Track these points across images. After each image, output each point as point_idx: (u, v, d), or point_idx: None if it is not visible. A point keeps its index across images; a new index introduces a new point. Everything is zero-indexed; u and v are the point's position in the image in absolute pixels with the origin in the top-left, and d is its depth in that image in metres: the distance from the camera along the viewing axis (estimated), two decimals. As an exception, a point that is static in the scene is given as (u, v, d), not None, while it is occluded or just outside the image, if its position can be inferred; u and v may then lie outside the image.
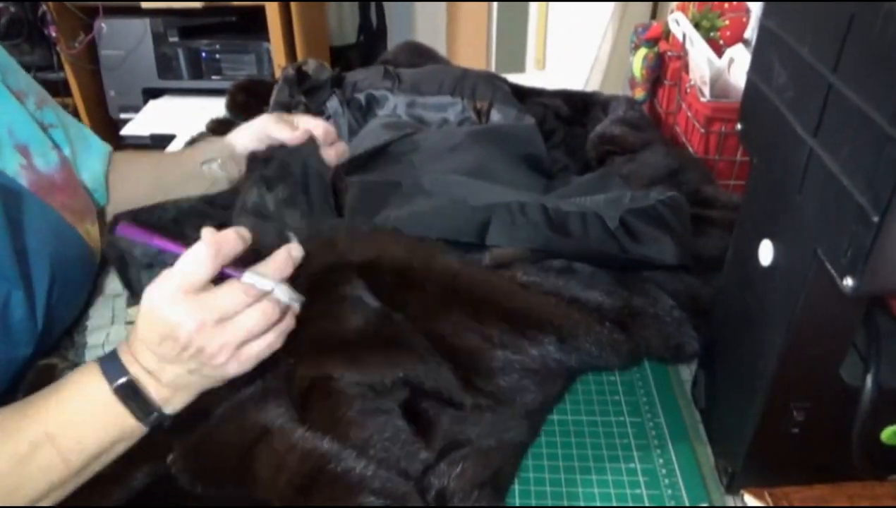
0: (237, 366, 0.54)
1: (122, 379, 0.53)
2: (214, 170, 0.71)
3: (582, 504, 0.57)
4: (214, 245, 0.52)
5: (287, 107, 0.95)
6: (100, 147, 0.77)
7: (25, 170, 0.61)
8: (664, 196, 0.74)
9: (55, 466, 0.51)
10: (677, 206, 0.74)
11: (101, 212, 0.75)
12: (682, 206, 0.75)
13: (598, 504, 0.57)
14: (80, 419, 0.52)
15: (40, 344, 0.62)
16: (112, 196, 0.76)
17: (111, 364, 0.53)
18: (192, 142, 0.97)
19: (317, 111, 0.96)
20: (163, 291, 0.52)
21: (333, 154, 0.76)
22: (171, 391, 0.54)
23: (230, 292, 0.53)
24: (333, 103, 0.95)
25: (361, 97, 0.97)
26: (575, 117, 1.05)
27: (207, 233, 0.53)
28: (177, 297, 0.51)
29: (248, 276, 0.54)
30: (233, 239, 0.53)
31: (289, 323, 0.57)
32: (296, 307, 0.57)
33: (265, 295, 0.54)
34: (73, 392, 0.53)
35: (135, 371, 0.53)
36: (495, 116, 0.93)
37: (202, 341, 0.52)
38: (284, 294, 0.55)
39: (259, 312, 0.53)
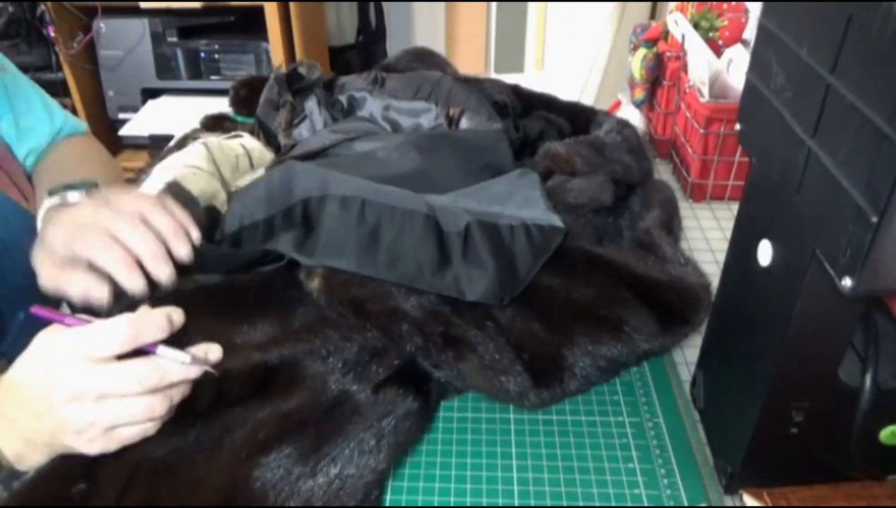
0: (101, 447, 0.50)
1: None
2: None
3: (581, 504, 0.57)
4: (136, 328, 0.48)
5: (275, 106, 0.96)
6: (62, 119, 0.74)
7: None
8: (547, 223, 0.71)
9: None
10: (546, 237, 0.70)
11: None
12: (551, 240, 0.70)
13: (597, 504, 0.57)
14: None
15: None
16: (41, 177, 0.73)
17: None
18: (183, 141, 0.96)
19: (300, 109, 0.96)
20: (58, 346, 0.47)
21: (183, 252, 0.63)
22: (24, 448, 0.50)
23: (125, 376, 0.48)
24: (311, 103, 0.96)
25: (344, 98, 0.97)
26: (576, 135, 1.04)
27: (136, 315, 0.48)
28: (68, 359, 0.47)
29: (162, 350, 0.50)
30: (160, 324, 0.49)
31: (165, 407, 0.51)
32: (197, 372, 0.52)
33: (159, 388, 0.49)
34: None
35: None
36: (465, 123, 0.93)
37: (69, 413, 0.47)
38: (193, 369, 0.51)
39: (145, 404, 0.49)
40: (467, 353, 0.62)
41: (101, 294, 0.57)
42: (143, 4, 1.59)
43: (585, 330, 0.65)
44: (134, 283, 0.57)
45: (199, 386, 0.54)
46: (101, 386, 0.47)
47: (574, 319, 0.66)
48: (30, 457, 0.50)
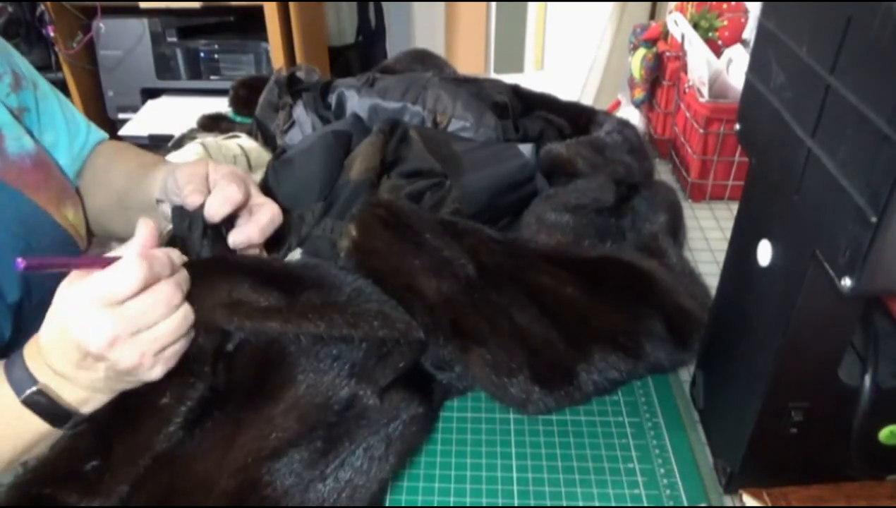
0: (162, 369, 0.52)
1: (31, 389, 0.49)
2: (165, 210, 0.68)
3: (581, 504, 0.57)
4: (146, 261, 0.49)
5: (275, 107, 0.96)
6: (85, 132, 0.74)
7: None
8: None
9: None
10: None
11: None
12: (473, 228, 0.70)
13: (597, 504, 0.57)
14: None
15: (23, 326, 0.60)
16: (93, 179, 0.74)
17: (18, 372, 0.50)
18: (180, 141, 0.96)
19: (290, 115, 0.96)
20: (78, 298, 0.48)
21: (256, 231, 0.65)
22: (88, 392, 0.52)
23: (152, 304, 0.49)
24: (299, 109, 0.95)
25: (334, 97, 0.97)
26: (576, 135, 1.03)
27: (137, 244, 0.50)
28: (91, 308, 0.48)
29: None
30: (165, 262, 0.50)
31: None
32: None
33: (183, 300, 0.51)
34: None
35: (45, 378, 0.50)
36: (452, 128, 0.92)
37: (116, 356, 0.49)
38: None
39: (180, 318, 0.51)
40: (473, 347, 0.62)
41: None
42: (142, 4, 1.58)
43: (604, 353, 0.64)
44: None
45: (198, 347, 0.55)
46: (133, 322, 0.48)
47: (593, 340, 0.65)
48: (95, 400, 0.52)
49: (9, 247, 0.59)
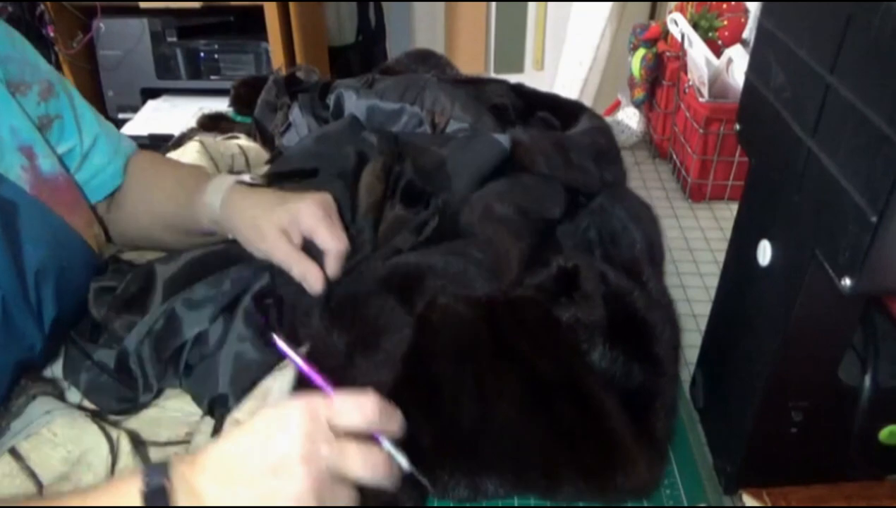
0: None
1: (159, 483, 0.43)
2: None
3: (581, 504, 0.57)
4: (383, 412, 0.45)
5: (273, 108, 0.96)
6: (115, 143, 0.73)
7: (27, 173, 0.59)
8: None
9: None
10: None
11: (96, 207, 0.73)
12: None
13: (598, 504, 0.57)
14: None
15: (46, 349, 0.61)
16: (128, 198, 0.72)
17: (155, 471, 0.44)
18: (180, 140, 0.96)
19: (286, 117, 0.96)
20: (313, 421, 0.43)
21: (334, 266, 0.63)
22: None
23: (372, 461, 0.44)
24: (295, 111, 0.95)
25: (332, 97, 0.96)
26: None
27: (375, 395, 0.45)
28: (318, 435, 0.43)
29: (388, 446, 0.46)
30: (398, 422, 0.46)
31: None
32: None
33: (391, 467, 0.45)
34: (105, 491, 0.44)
35: (178, 484, 0.43)
36: (450, 129, 0.91)
37: (312, 497, 0.42)
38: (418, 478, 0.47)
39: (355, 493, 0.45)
40: None
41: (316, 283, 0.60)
42: (142, 4, 1.59)
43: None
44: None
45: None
46: (344, 465, 0.43)
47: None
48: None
49: (48, 266, 0.58)
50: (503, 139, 0.79)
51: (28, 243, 0.57)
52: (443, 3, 1.93)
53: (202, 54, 1.66)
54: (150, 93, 1.72)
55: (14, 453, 0.51)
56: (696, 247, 0.90)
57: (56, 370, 0.62)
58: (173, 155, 0.83)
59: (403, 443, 0.48)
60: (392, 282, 0.63)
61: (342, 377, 0.55)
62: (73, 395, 0.60)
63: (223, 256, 0.67)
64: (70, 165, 0.67)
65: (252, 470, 0.43)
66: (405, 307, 0.61)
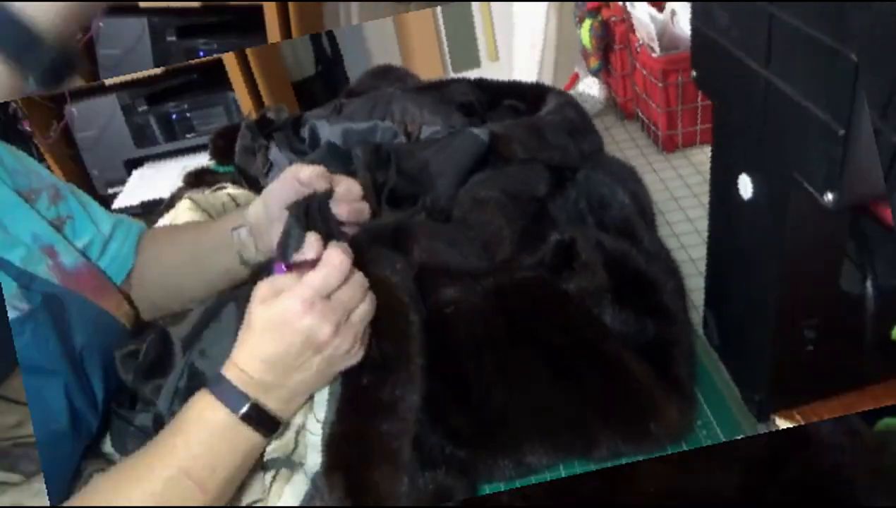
0: (361, 350, 0.56)
1: (246, 406, 0.53)
2: (243, 236, 0.69)
3: (625, 460, 0.59)
4: (349, 256, 0.54)
5: (251, 151, 0.97)
6: (126, 227, 0.75)
7: (53, 271, 0.61)
8: None
9: (194, 496, 0.52)
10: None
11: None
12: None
13: (640, 456, 0.58)
14: (209, 449, 0.53)
15: (99, 429, 0.63)
16: (148, 271, 0.75)
17: (227, 391, 0.53)
18: (171, 201, 0.97)
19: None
20: (299, 301, 0.52)
21: (346, 210, 0.66)
22: (290, 400, 0.56)
23: (353, 290, 0.54)
24: (273, 150, 0.95)
25: (306, 130, 0.97)
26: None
27: (341, 244, 0.55)
28: (313, 304, 0.52)
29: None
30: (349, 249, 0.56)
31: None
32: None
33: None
34: (198, 427, 0.53)
35: (254, 392, 0.54)
36: (424, 135, 0.92)
37: (338, 342, 0.53)
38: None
39: (371, 299, 0.55)
40: None
41: None
42: (107, 81, 1.61)
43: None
44: None
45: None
46: (342, 306, 0.53)
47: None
48: (295, 404, 0.57)
49: (93, 352, 0.61)
50: (481, 132, 0.81)
51: (76, 332, 0.60)
52: (390, 18, 1.95)
53: (174, 115, 1.69)
54: (133, 164, 1.74)
55: None
56: (679, 195, 0.92)
57: (106, 445, 0.63)
58: (168, 216, 0.84)
59: (445, 438, 0.55)
60: (384, 236, 0.66)
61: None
62: None
63: (230, 300, 0.68)
64: (92, 255, 0.70)
65: (291, 355, 0.53)
66: (402, 255, 0.63)
